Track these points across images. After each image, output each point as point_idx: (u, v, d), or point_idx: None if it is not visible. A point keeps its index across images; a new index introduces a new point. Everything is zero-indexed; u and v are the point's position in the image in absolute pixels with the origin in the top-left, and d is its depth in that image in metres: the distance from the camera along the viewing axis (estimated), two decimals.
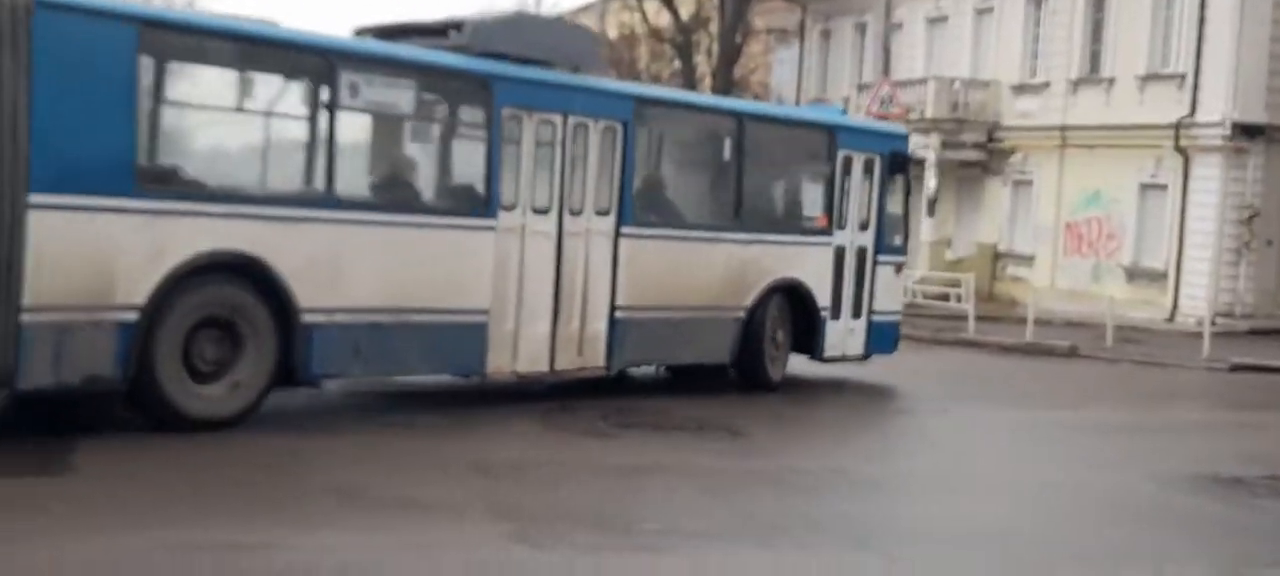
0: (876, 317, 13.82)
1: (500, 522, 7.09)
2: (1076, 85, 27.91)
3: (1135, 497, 9.08)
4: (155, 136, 8.71)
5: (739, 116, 12.88)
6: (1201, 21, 24.64)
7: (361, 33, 11.20)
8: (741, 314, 12.35)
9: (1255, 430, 13.36)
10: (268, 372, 9.01)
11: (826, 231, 13.26)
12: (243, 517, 6.87)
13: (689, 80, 35.39)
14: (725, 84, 34.80)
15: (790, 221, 13.47)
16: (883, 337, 14.01)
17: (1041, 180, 28.85)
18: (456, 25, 10.62)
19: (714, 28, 35.95)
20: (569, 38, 12.19)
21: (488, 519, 7.18)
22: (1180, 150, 25.07)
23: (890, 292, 14.12)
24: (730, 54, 35.23)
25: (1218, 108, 24.35)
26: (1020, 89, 29.56)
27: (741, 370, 12.62)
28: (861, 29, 34.42)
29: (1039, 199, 28.92)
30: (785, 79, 39.86)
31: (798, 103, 38.52)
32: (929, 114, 29.55)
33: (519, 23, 11.94)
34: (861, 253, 13.62)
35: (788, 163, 13.64)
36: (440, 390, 11.28)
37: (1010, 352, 19.85)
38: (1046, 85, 28.72)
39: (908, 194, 14.80)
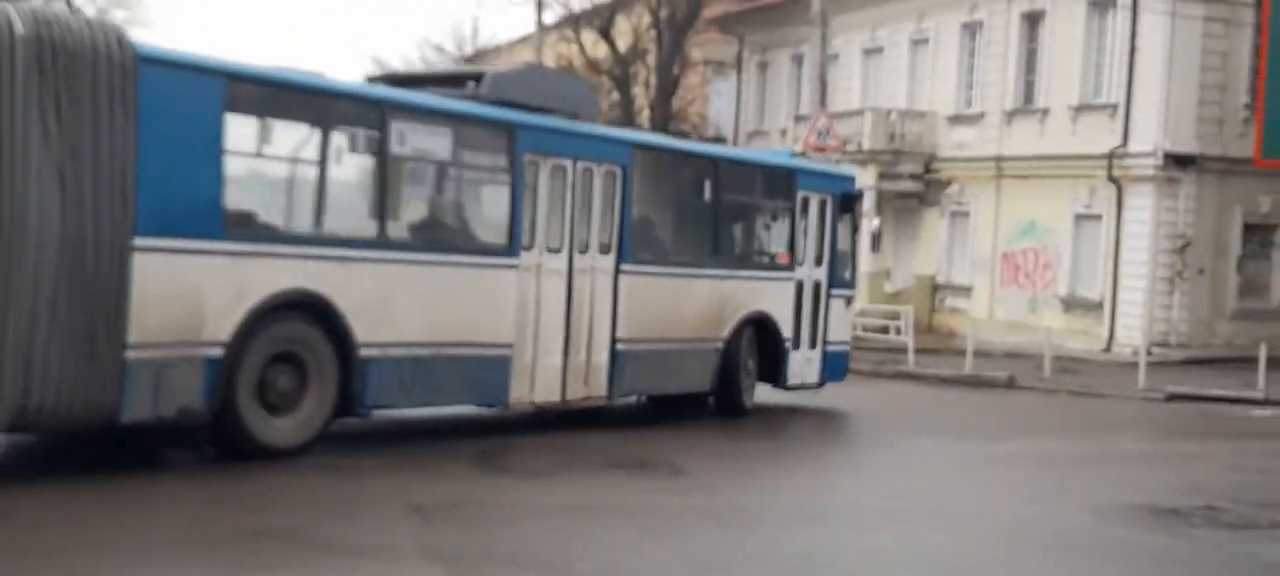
0: (830, 347, 14.91)
1: (432, 565, 6.95)
2: (1011, 116, 28.20)
3: (1073, 529, 9.08)
4: (238, 182, 9.31)
5: (716, 160, 14.10)
6: (1132, 52, 24.96)
7: (374, 81, 11.81)
8: (720, 345, 13.30)
9: (1191, 459, 13.46)
10: (330, 404, 9.66)
11: (789, 267, 14.30)
12: (175, 562, 6.71)
13: (627, 112, 35.38)
14: (663, 116, 34.85)
15: (758, 258, 14.52)
16: (835, 366, 15.14)
17: (978, 211, 29.08)
18: (475, 77, 11.60)
19: (651, 60, 35.99)
20: (572, 88, 13.22)
21: (420, 562, 7.03)
22: (1113, 180, 25.35)
23: (841, 324, 15.29)
24: (668, 86, 35.30)
25: (1149, 138, 24.66)
26: (956, 120, 29.82)
27: (719, 398, 13.58)
28: (798, 61, 34.58)
29: (976, 230, 29.14)
30: (723, 111, 39.99)
31: (736, 135, 38.66)
32: (866, 145, 29.72)
33: (531, 75, 13.25)
34: (817, 287, 14.70)
35: (755, 203, 14.55)
36: (384, 430, 11.15)
37: (950, 384, 19.92)
38: (982, 116, 29.01)
39: (856, 231, 15.72)
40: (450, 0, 67.45)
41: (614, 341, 11.93)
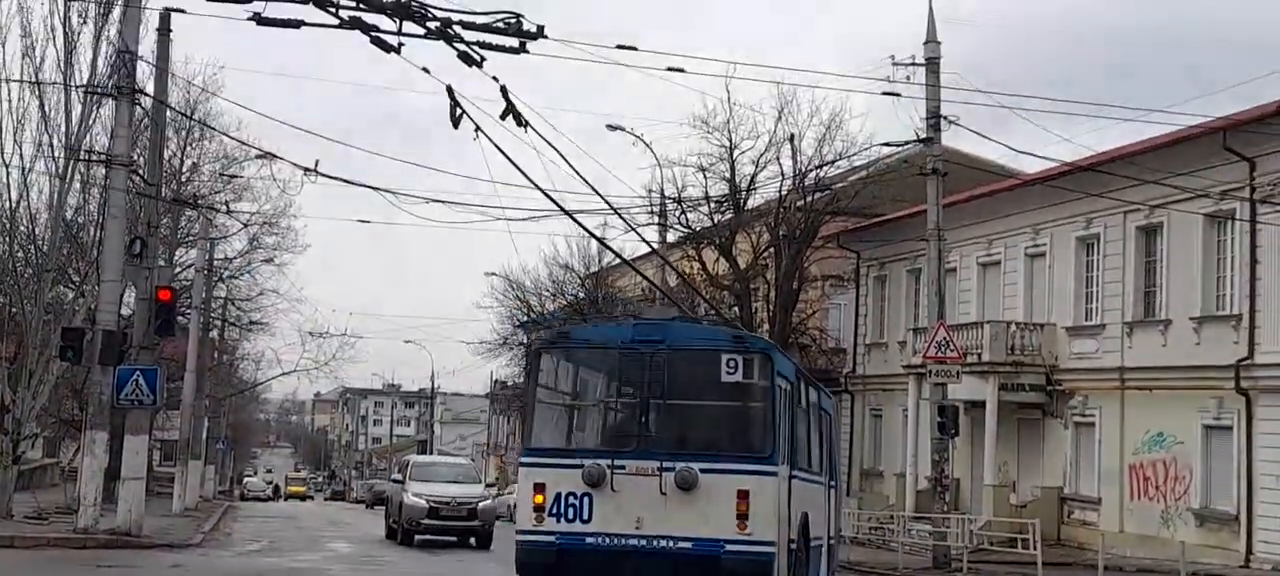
0: None
1: None
2: (1132, 327, 28.10)
3: None
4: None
5: None
6: (1253, 264, 24.87)
7: None
8: None
9: None
10: None
11: None
12: None
13: (748, 325, 35.98)
14: (783, 329, 35.36)
15: None
16: None
17: (1103, 422, 28.77)
18: None
19: (771, 275, 36.71)
20: None
21: None
22: (1241, 391, 24.97)
23: None
24: (787, 300, 35.88)
25: (1276, 349, 24.34)
26: (1076, 331, 29.80)
27: None
28: (915, 274, 35.05)
29: (1102, 441, 28.77)
30: (842, 323, 40.45)
31: (855, 347, 39.00)
32: (986, 357, 29.81)
33: None
34: None
35: None
36: None
37: None
38: (1102, 327, 28.96)
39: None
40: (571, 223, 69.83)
41: None
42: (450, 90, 11.94)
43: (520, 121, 12.76)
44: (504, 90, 12.43)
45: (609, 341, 13.45)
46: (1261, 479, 24.52)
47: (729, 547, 12.02)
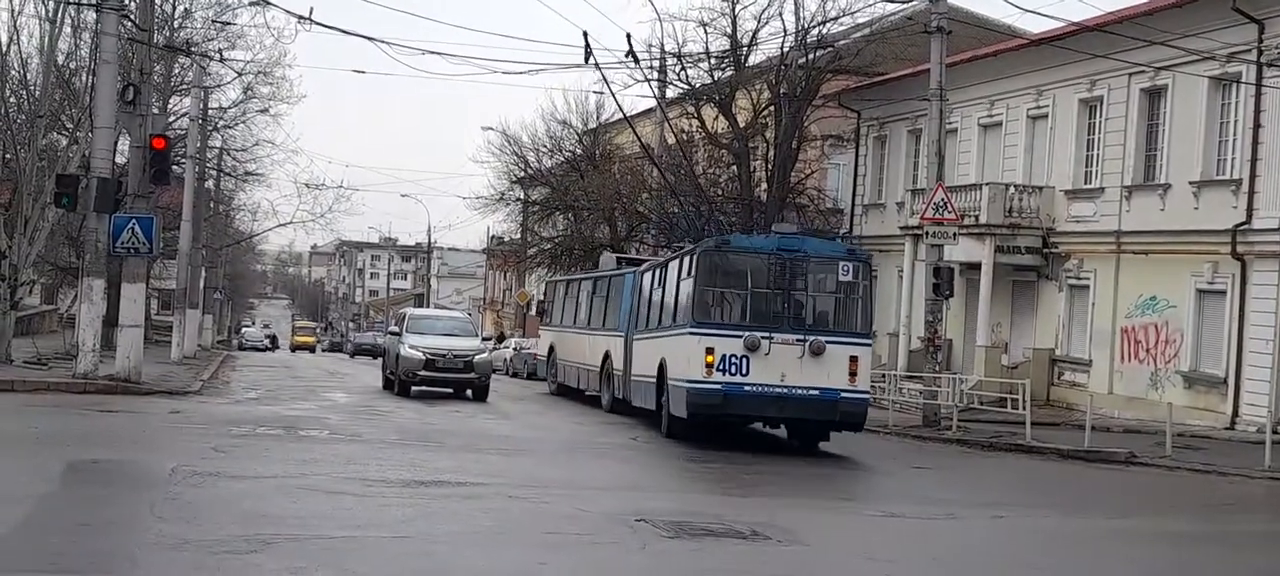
0: None
1: None
2: (1131, 191, 28.02)
3: None
4: None
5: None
6: (1256, 128, 24.72)
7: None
8: None
9: None
10: None
11: None
12: None
13: (745, 184, 35.87)
14: (781, 189, 35.24)
15: None
16: None
17: (1097, 285, 28.87)
18: None
19: (770, 134, 36.44)
20: None
21: None
22: (1237, 256, 25.01)
23: None
24: (786, 160, 35.68)
25: (1274, 214, 24.32)
26: (1074, 194, 29.72)
27: None
28: (915, 134, 34.82)
29: (1095, 304, 28.91)
30: (840, 184, 40.30)
31: (852, 207, 38.91)
32: (983, 219, 29.78)
33: None
34: None
35: None
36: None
37: (1067, 459, 19.83)
38: (1101, 191, 28.88)
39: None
40: (574, 76, 69.13)
41: None
42: (585, 35, 19.41)
43: (636, 61, 21.78)
44: (628, 36, 18.43)
45: (760, 249, 18.53)
46: (1251, 343, 24.71)
47: (844, 394, 17.71)
